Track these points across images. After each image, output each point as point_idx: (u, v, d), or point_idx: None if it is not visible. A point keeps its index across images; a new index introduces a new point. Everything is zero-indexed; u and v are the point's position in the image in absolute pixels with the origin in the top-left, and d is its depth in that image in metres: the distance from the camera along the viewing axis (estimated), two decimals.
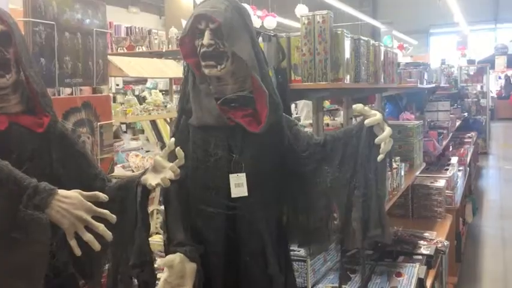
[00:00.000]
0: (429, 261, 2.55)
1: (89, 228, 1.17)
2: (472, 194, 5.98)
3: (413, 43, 16.10)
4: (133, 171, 4.70)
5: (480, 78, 10.61)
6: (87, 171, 1.45)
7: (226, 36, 1.39)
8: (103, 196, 1.23)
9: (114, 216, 1.22)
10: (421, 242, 2.75)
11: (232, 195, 1.42)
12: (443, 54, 12.31)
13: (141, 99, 6.09)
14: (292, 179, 1.53)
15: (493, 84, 15.57)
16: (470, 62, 10.73)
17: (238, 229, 1.44)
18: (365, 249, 1.64)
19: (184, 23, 1.56)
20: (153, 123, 6.02)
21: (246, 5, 5.87)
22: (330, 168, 1.48)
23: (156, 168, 1.37)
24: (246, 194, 1.42)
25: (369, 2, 17.73)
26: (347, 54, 2.20)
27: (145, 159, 4.68)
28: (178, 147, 1.36)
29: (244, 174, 1.42)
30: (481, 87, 10.95)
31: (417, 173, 3.11)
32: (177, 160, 1.36)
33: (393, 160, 2.70)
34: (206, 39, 1.40)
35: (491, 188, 7.35)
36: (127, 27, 10.66)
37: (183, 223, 1.42)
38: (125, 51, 6.83)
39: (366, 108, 1.45)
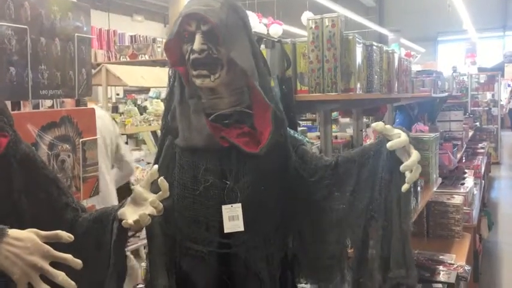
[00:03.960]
0: None
1: (46, 277, 0.96)
2: (487, 207, 5.72)
3: (421, 51, 15.86)
4: (132, 184, 4.49)
5: (491, 87, 10.36)
6: (57, 199, 1.23)
7: (222, 40, 1.17)
8: (66, 236, 1.01)
9: (79, 261, 1.00)
10: (440, 267, 2.51)
11: (226, 231, 1.18)
12: (452, 61, 12.07)
13: (142, 109, 5.91)
14: (298, 208, 1.30)
15: (503, 92, 15.30)
16: (482, 69, 10.48)
17: (232, 272, 1.20)
18: None
19: None
20: (154, 134, 5.83)
21: (251, 12, 5.64)
22: (342, 195, 1.25)
23: (136, 201, 1.13)
24: (242, 229, 1.18)
25: (375, 9, 17.54)
26: (358, 61, 1.98)
27: (145, 172, 4.48)
28: (161, 178, 1.12)
29: (239, 205, 1.18)
30: (492, 95, 10.70)
31: (434, 189, 2.88)
32: (160, 192, 1.12)
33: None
34: (197, 43, 1.18)
35: (505, 200, 7.07)
36: (131, 36, 10.58)
37: (167, 265, 1.19)
38: (128, 59, 6.68)
39: (388, 126, 1.20)
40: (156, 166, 1.15)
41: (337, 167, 1.27)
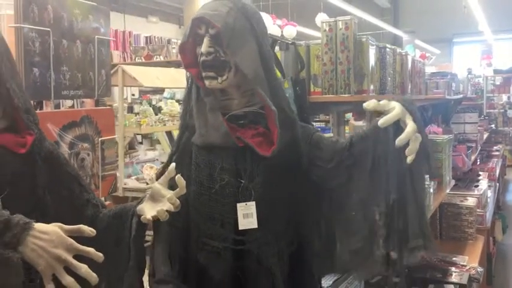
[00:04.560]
0: None
1: (70, 270, 1.00)
2: (502, 210, 5.68)
3: (436, 52, 15.75)
4: (147, 183, 4.56)
5: (507, 89, 10.26)
6: (78, 196, 1.28)
7: (227, 44, 1.21)
8: (88, 230, 1.06)
9: (100, 255, 1.04)
10: (453, 268, 2.52)
11: (240, 227, 1.23)
12: (467, 63, 11.97)
13: (157, 110, 5.98)
14: (321, 199, 1.32)
15: None
16: (497, 71, 10.37)
17: (245, 267, 1.24)
18: (404, 270, 1.35)
19: None
20: (169, 134, 5.90)
21: (265, 14, 5.64)
22: (362, 173, 1.23)
23: (154, 197, 1.19)
24: (256, 226, 1.23)
25: (390, 10, 17.46)
26: (372, 63, 2.01)
27: None
28: (178, 175, 1.17)
29: (253, 203, 1.22)
30: (508, 97, 10.60)
31: (447, 191, 2.89)
32: (177, 189, 1.17)
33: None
34: (205, 46, 1.23)
35: None
36: (146, 37, 10.67)
37: (170, 255, 1.23)
38: (143, 60, 6.76)
39: (382, 102, 1.18)
40: (173, 164, 1.20)
41: (352, 147, 1.26)
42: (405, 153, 1.13)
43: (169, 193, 1.17)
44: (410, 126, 1.13)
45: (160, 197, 1.18)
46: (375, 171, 1.22)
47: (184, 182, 1.17)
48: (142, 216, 1.18)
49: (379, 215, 1.24)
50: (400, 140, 1.12)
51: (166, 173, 1.19)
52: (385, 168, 1.21)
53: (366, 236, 1.25)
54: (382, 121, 1.15)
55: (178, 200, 1.16)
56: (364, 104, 1.19)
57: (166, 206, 1.16)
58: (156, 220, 1.19)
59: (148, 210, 1.18)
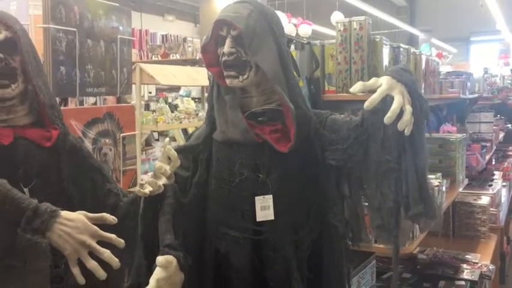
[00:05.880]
0: None
1: (94, 254, 1.07)
2: None
3: (453, 51, 15.62)
4: None
5: None
6: (101, 186, 1.35)
7: (248, 44, 1.27)
8: (111, 218, 1.13)
9: (122, 241, 1.11)
10: (464, 265, 2.55)
11: (258, 219, 1.29)
12: (484, 62, 11.87)
13: (173, 107, 6.06)
14: (339, 181, 1.35)
15: None
16: None
17: (262, 255, 1.31)
18: (398, 258, 1.36)
19: None
20: (185, 131, 5.98)
21: (280, 12, 5.72)
22: (376, 147, 1.24)
23: (156, 175, 1.26)
24: (272, 218, 1.29)
25: (407, 9, 17.35)
26: (385, 63, 2.05)
27: None
28: (168, 147, 1.25)
29: (270, 196, 1.29)
30: None
31: (460, 190, 2.91)
32: (171, 163, 1.25)
33: (435, 176, 2.51)
34: (227, 47, 1.29)
35: None
36: (163, 35, 10.79)
37: (175, 228, 1.26)
38: (159, 58, 6.85)
39: (370, 81, 1.19)
40: (167, 139, 1.28)
41: (365, 122, 1.28)
42: (397, 127, 1.14)
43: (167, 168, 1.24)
44: (395, 101, 1.14)
45: (160, 173, 1.25)
46: (385, 142, 1.23)
47: (176, 153, 1.25)
48: (136, 189, 1.25)
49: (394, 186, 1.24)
50: (388, 118, 1.13)
51: (162, 150, 1.26)
52: (391, 138, 1.21)
53: (389, 209, 1.25)
54: (367, 103, 1.15)
55: (168, 171, 1.23)
56: (351, 89, 1.21)
57: (162, 180, 1.23)
58: (156, 195, 1.24)
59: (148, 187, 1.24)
